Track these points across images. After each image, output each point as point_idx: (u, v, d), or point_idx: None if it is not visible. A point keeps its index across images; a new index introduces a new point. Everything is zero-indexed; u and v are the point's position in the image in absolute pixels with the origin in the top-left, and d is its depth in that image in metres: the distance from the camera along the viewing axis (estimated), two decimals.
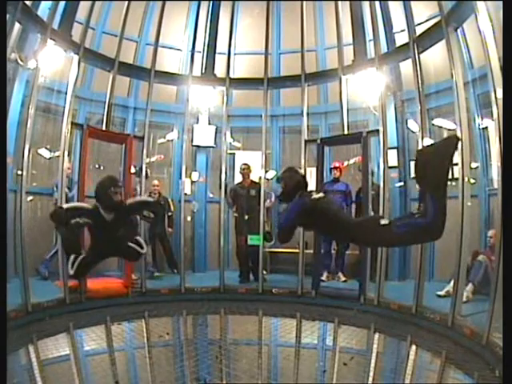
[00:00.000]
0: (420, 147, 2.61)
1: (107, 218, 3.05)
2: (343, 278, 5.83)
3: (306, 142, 5.60)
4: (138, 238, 3.26)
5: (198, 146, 6.98)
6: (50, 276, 5.32)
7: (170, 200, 6.40)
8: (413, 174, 5.90)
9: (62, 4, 4.87)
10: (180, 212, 5.60)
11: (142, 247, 3.22)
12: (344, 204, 5.97)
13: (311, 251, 5.46)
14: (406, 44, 4.82)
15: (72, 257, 3.10)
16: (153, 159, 6.97)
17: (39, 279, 5.23)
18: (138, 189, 5.46)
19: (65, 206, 3.57)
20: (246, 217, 5.88)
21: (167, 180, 7.17)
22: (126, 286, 5.25)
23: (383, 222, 2.60)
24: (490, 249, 4.45)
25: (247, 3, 6.74)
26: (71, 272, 3.15)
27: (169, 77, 6.10)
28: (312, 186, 5.59)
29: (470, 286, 4.39)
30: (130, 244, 3.17)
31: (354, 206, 6.00)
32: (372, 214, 4.99)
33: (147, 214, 3.44)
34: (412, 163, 6.00)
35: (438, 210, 2.31)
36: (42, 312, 4.20)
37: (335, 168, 6.05)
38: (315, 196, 2.82)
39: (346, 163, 6.55)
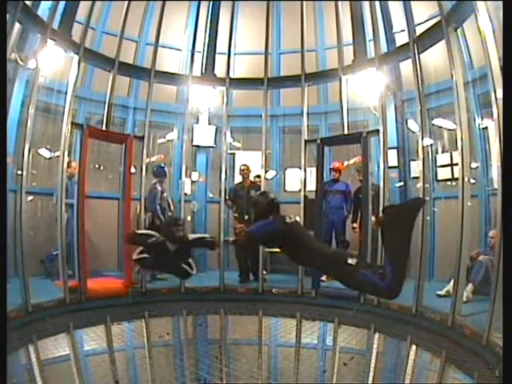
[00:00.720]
0: (385, 206, 2.69)
1: (171, 249, 3.45)
2: None
3: (305, 141, 5.60)
4: (190, 260, 3.63)
5: (197, 146, 6.98)
6: (53, 272, 5.39)
7: (169, 200, 6.40)
8: (413, 174, 5.93)
9: (62, 4, 4.87)
10: (180, 212, 5.60)
11: (192, 269, 3.61)
12: (344, 204, 5.98)
13: None
14: (406, 44, 4.83)
15: (140, 248, 3.49)
16: (153, 159, 6.96)
17: (43, 278, 5.25)
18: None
19: (138, 231, 4.20)
20: (246, 217, 5.87)
21: (167, 180, 7.15)
22: (126, 285, 5.25)
23: (350, 261, 2.62)
24: (491, 249, 4.44)
25: (247, 3, 6.75)
26: (134, 256, 3.50)
27: (169, 77, 6.10)
28: (312, 185, 5.62)
29: (470, 286, 4.39)
30: (183, 265, 3.60)
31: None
32: (371, 214, 4.99)
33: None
34: (412, 163, 6.01)
35: (396, 276, 2.37)
36: (41, 312, 4.20)
37: (334, 169, 6.04)
38: (288, 220, 2.81)
39: (345, 163, 6.55)
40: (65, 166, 4.75)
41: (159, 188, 5.82)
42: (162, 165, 6.11)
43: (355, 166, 6.30)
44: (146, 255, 3.52)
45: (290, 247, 2.77)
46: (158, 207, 5.68)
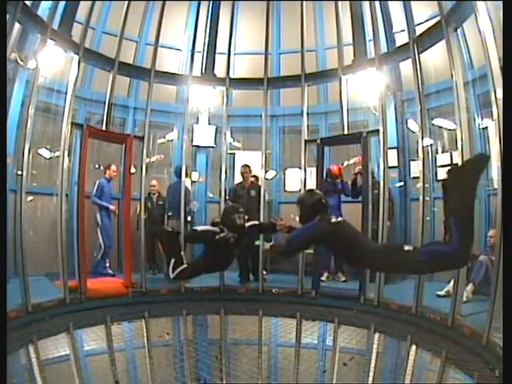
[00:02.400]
0: (449, 168, 2.47)
1: (230, 240, 3.48)
2: (343, 278, 5.83)
3: (305, 141, 5.60)
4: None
5: (197, 146, 6.99)
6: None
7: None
8: (413, 174, 5.93)
9: (62, 4, 4.87)
10: (180, 212, 5.60)
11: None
12: (341, 204, 5.98)
13: (311, 251, 5.46)
14: (406, 44, 4.83)
15: (172, 261, 3.48)
16: (153, 159, 6.97)
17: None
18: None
19: (198, 228, 4.13)
20: (246, 217, 5.86)
21: (167, 180, 7.16)
22: (126, 286, 5.25)
23: (407, 247, 2.51)
24: (490, 249, 4.44)
25: (247, 3, 6.75)
26: (171, 275, 3.53)
27: (169, 77, 6.10)
28: (312, 185, 5.61)
29: (470, 286, 4.39)
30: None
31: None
32: (370, 214, 4.99)
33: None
34: (412, 163, 6.01)
35: (463, 237, 2.19)
36: (41, 312, 4.20)
37: (332, 173, 6.01)
38: (334, 220, 2.72)
39: (345, 163, 6.55)
40: (65, 165, 4.75)
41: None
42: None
43: (354, 167, 6.29)
44: (183, 266, 3.52)
45: (338, 248, 2.70)
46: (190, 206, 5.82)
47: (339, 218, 2.80)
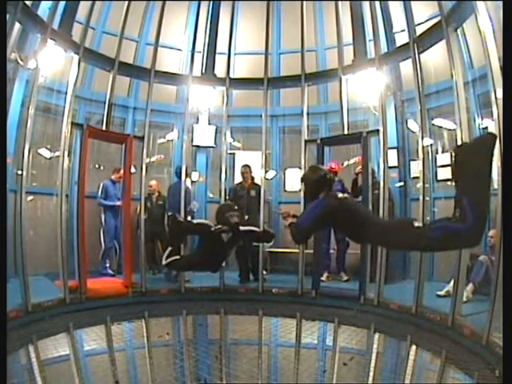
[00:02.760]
0: (458, 144, 2.36)
1: (225, 239, 3.45)
2: (345, 278, 5.82)
3: (305, 141, 5.61)
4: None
5: (197, 146, 6.98)
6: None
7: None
8: (413, 174, 5.92)
9: (62, 4, 4.87)
10: (180, 212, 5.59)
11: (225, 263, 3.93)
12: None
13: (311, 251, 5.46)
14: (406, 44, 4.83)
15: (169, 249, 3.50)
16: (153, 159, 6.97)
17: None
18: None
19: (195, 221, 4.18)
20: (246, 217, 5.87)
21: (167, 180, 7.16)
22: (126, 286, 5.25)
23: (417, 224, 2.41)
24: (491, 249, 4.44)
25: (247, 3, 6.75)
26: (164, 262, 3.54)
27: (169, 77, 6.10)
28: None
29: (470, 286, 4.39)
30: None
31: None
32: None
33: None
34: (412, 163, 6.01)
35: (478, 215, 2.09)
36: (41, 312, 4.20)
37: (331, 171, 6.01)
38: (341, 196, 2.64)
39: (345, 163, 6.54)
40: (65, 165, 4.76)
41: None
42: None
43: (356, 166, 6.28)
44: (176, 257, 3.52)
45: (346, 225, 2.57)
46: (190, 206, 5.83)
47: (345, 194, 2.74)
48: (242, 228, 3.57)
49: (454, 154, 2.31)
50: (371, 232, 2.49)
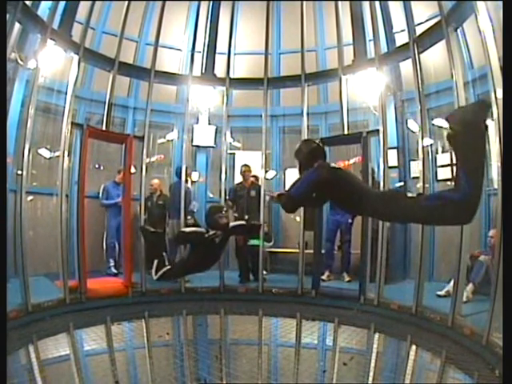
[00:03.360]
0: (450, 113, 2.27)
1: (216, 241, 3.47)
2: (348, 278, 5.81)
3: None
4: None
5: (197, 146, 6.98)
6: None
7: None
8: (413, 173, 5.92)
9: (62, 4, 4.87)
10: (180, 212, 5.60)
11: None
12: None
13: (311, 251, 5.46)
14: (406, 44, 4.83)
15: (155, 263, 3.47)
16: (153, 159, 6.97)
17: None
18: None
19: (186, 230, 4.27)
20: (246, 217, 5.87)
21: (167, 180, 7.16)
22: (126, 285, 5.25)
23: (410, 194, 2.36)
24: (491, 249, 4.44)
25: (247, 3, 6.75)
26: (154, 277, 3.52)
27: (169, 77, 6.10)
28: None
29: (470, 286, 4.39)
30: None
31: None
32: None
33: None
34: (412, 163, 6.00)
35: (472, 185, 1.99)
36: (41, 312, 4.20)
37: None
38: (334, 165, 2.61)
39: (345, 163, 6.54)
40: (65, 165, 4.76)
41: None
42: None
43: (357, 166, 6.29)
44: (167, 267, 3.53)
45: (339, 194, 2.50)
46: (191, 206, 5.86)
47: (337, 165, 2.75)
48: (231, 224, 3.60)
49: (448, 123, 2.21)
50: (363, 202, 2.43)
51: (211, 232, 3.46)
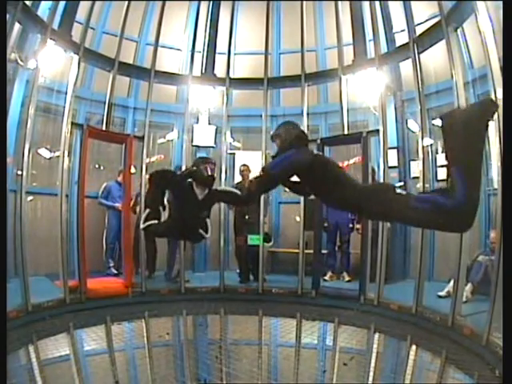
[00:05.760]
0: (448, 111, 2.21)
1: (199, 196, 3.03)
2: (348, 278, 5.83)
3: None
4: (207, 220, 3.21)
5: (197, 146, 6.97)
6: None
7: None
8: (413, 174, 5.92)
9: (62, 4, 4.87)
10: None
11: (206, 232, 3.19)
12: None
13: (311, 251, 5.46)
14: (406, 44, 4.83)
15: (146, 212, 3.10)
16: (153, 159, 6.97)
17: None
18: None
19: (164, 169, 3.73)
20: (246, 217, 5.87)
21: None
22: (126, 286, 5.25)
23: (399, 190, 2.14)
24: (492, 253, 4.42)
25: (247, 3, 6.75)
26: (141, 226, 3.17)
27: (169, 77, 6.10)
28: None
29: (469, 286, 4.39)
30: (200, 230, 3.21)
31: None
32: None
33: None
34: (412, 163, 6.00)
35: (470, 189, 1.81)
36: (41, 312, 4.20)
37: None
38: (316, 152, 2.45)
39: (345, 163, 6.54)
40: (65, 165, 4.76)
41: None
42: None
43: (357, 166, 6.28)
44: (154, 221, 3.10)
45: (320, 183, 2.26)
46: None
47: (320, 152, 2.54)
48: (219, 188, 3.29)
49: (442, 120, 2.13)
50: (346, 193, 2.20)
51: (193, 168, 3.02)
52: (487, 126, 1.94)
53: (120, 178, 6.12)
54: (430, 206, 1.94)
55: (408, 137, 6.25)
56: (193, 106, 6.28)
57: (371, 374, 3.16)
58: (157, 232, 3.41)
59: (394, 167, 5.90)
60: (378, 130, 4.99)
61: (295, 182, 2.53)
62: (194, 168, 3.00)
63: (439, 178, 5.68)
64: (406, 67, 5.31)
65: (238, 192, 3.05)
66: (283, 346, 3.95)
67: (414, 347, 3.88)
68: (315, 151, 2.47)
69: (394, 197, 2.08)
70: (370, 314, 4.62)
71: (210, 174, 3.03)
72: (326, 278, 5.79)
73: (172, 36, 7.03)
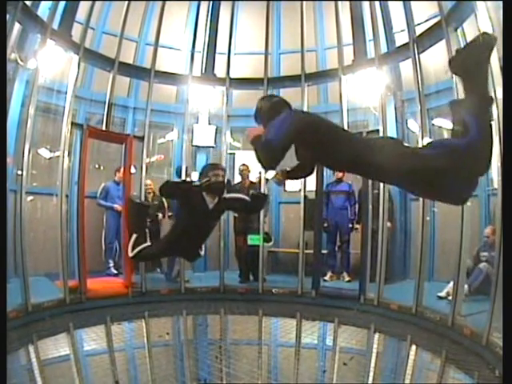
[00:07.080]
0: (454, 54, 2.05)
1: (210, 205, 2.85)
2: (348, 278, 5.83)
3: None
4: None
5: (197, 146, 6.97)
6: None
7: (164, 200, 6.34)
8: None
9: (62, 4, 4.87)
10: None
11: (201, 249, 3.16)
12: (347, 204, 5.97)
13: (311, 251, 5.46)
14: (406, 44, 4.83)
15: (134, 237, 2.97)
16: (153, 159, 6.97)
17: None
18: None
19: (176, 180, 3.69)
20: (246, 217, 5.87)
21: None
22: (126, 286, 5.25)
23: (407, 144, 2.02)
24: (490, 248, 4.42)
25: (247, 3, 6.74)
26: (130, 254, 3.02)
27: (169, 77, 6.10)
28: (312, 185, 5.61)
29: (465, 288, 4.37)
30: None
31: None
32: (371, 215, 4.98)
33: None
34: None
35: (483, 128, 1.69)
36: (41, 312, 4.20)
37: (337, 177, 6.05)
38: (309, 112, 2.20)
39: None
40: (65, 165, 4.76)
41: None
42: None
43: None
44: (146, 244, 2.99)
45: (322, 141, 1.96)
46: None
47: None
48: (227, 195, 3.04)
49: (449, 66, 1.98)
50: (351, 150, 1.95)
51: (205, 179, 2.87)
52: (489, 60, 1.92)
53: (117, 177, 6.12)
54: (444, 149, 1.78)
55: (408, 137, 6.25)
56: (193, 106, 6.28)
57: (371, 374, 3.16)
58: (150, 255, 3.31)
59: None
60: (378, 130, 4.99)
61: (291, 170, 2.42)
62: (207, 179, 2.86)
63: None
64: (406, 67, 5.31)
65: (247, 198, 2.96)
66: (283, 346, 3.95)
67: (413, 347, 3.88)
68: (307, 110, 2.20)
69: (402, 149, 1.93)
70: (370, 314, 4.63)
71: (221, 180, 2.89)
72: (326, 278, 5.80)
73: (172, 36, 7.02)
